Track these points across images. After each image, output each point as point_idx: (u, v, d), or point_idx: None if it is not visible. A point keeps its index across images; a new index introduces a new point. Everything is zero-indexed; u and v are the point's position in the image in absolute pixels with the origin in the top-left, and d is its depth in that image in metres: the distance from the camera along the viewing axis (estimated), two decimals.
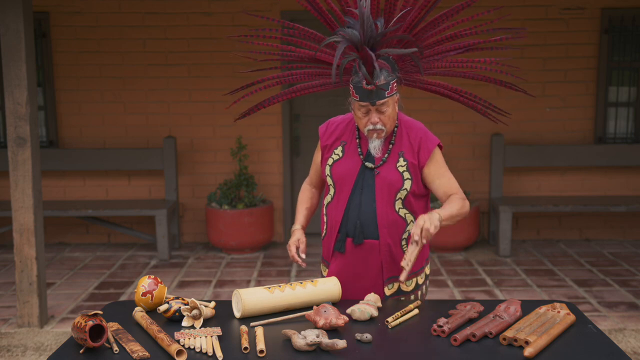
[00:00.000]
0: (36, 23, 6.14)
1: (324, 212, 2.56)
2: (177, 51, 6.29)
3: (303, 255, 2.58)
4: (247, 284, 5.25)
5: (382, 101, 2.30)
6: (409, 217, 2.44)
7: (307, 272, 5.52)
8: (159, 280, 2.28)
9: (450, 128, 6.33)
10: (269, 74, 2.57)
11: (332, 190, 2.51)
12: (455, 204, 2.36)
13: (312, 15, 2.46)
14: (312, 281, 2.33)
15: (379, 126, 2.35)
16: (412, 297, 2.51)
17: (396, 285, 2.47)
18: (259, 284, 5.25)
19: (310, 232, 6.69)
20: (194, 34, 6.27)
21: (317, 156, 2.60)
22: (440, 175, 2.43)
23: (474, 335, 2.01)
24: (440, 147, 2.48)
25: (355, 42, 2.21)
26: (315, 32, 2.40)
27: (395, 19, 2.26)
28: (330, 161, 2.50)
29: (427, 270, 2.58)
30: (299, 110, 6.46)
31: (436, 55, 2.38)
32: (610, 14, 6.25)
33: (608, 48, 6.30)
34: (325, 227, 2.56)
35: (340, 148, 2.50)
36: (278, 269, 5.67)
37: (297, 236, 2.61)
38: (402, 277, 2.19)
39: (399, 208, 2.42)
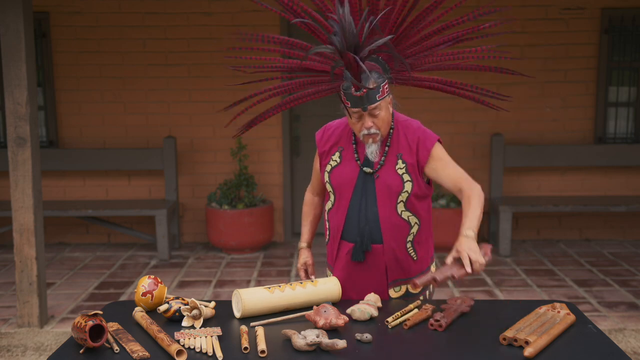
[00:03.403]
0: (36, 23, 6.14)
1: (326, 217, 2.56)
2: (177, 51, 6.29)
3: (313, 277, 2.65)
4: (247, 284, 5.25)
5: (373, 105, 2.26)
6: (413, 220, 2.42)
7: None
8: (159, 280, 2.28)
9: (450, 128, 6.33)
10: (265, 85, 2.54)
11: (332, 197, 2.49)
12: (474, 203, 2.27)
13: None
14: (312, 281, 2.33)
15: (373, 130, 2.31)
16: (421, 298, 2.50)
17: (403, 288, 2.46)
18: (259, 284, 5.25)
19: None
20: (194, 34, 6.27)
21: (317, 163, 2.59)
22: (444, 167, 2.38)
23: (435, 280, 2.04)
24: (440, 142, 2.45)
25: (338, 49, 2.16)
26: (301, 41, 2.34)
27: (376, 20, 2.19)
28: (328, 168, 2.48)
29: (433, 269, 2.58)
30: (299, 110, 6.46)
31: (425, 50, 2.31)
32: (610, 14, 6.25)
33: (608, 48, 6.30)
34: (328, 232, 2.56)
35: (337, 154, 2.48)
36: (278, 269, 5.67)
37: (304, 258, 2.68)
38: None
39: (402, 211, 2.40)
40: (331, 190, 2.48)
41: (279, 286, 2.26)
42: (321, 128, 2.58)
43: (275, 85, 2.43)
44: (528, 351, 1.87)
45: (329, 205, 2.53)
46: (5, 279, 5.39)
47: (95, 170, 6.38)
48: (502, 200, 6.10)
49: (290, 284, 2.28)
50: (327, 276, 2.63)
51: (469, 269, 2.07)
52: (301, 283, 2.30)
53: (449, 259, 2.12)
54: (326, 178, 2.49)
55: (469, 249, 2.10)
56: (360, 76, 2.21)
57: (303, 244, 2.72)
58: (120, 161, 6.29)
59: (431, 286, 2.55)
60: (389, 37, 2.20)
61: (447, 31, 2.28)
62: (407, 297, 2.47)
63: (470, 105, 6.08)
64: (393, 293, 2.46)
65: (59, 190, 6.46)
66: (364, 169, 2.41)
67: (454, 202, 6.04)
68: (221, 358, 1.87)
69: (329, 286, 2.34)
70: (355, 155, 2.44)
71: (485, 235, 6.54)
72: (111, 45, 6.28)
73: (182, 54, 6.29)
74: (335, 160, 2.47)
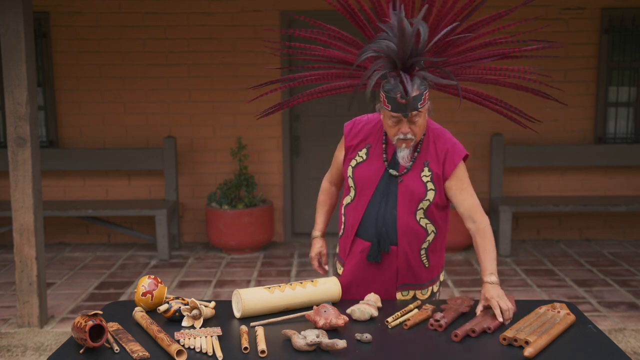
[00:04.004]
0: (36, 23, 6.14)
1: (343, 212, 2.53)
2: (177, 51, 6.29)
3: (326, 267, 2.69)
4: (247, 284, 5.25)
5: (415, 112, 2.24)
6: (430, 228, 2.40)
7: (308, 272, 5.52)
8: (159, 280, 2.28)
9: (450, 128, 6.25)
10: (299, 72, 2.48)
11: (352, 192, 2.47)
12: (489, 241, 2.33)
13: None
14: (312, 281, 2.33)
15: (409, 136, 2.29)
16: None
17: (411, 292, 2.46)
18: (259, 284, 5.25)
19: (310, 232, 6.69)
20: (194, 34, 6.27)
21: (340, 154, 2.55)
22: (461, 189, 2.38)
23: (473, 331, 2.02)
24: (466, 157, 2.44)
25: (393, 59, 2.16)
26: (346, 33, 2.32)
27: (434, 40, 2.18)
28: (353, 163, 2.45)
29: (442, 277, 2.58)
30: (299, 110, 6.46)
31: (469, 62, 2.30)
32: (610, 14, 6.25)
33: (608, 48, 6.30)
34: (342, 226, 2.54)
35: (364, 150, 2.45)
36: (278, 269, 5.67)
37: (318, 247, 2.69)
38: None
39: (420, 218, 2.38)
40: (352, 185, 2.45)
41: (279, 286, 2.26)
42: (350, 120, 2.54)
43: (311, 73, 2.38)
44: (528, 351, 1.87)
45: (347, 199, 2.49)
46: (5, 279, 5.39)
47: (95, 170, 6.38)
48: (502, 200, 6.10)
49: (290, 284, 2.28)
50: (337, 271, 2.63)
51: (500, 319, 2.12)
52: (301, 283, 2.30)
53: (480, 309, 2.18)
54: (349, 173, 2.46)
55: (498, 297, 2.16)
56: (407, 83, 2.18)
57: (317, 232, 2.71)
58: (120, 161, 6.29)
59: (438, 293, 2.57)
60: (455, 82, 2.21)
61: (493, 47, 2.28)
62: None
63: (470, 105, 6.05)
64: (400, 296, 2.46)
65: (59, 190, 6.46)
66: (390, 170, 2.39)
67: None
68: (221, 358, 1.87)
69: (329, 286, 2.33)
70: (384, 155, 2.41)
71: None
72: (111, 45, 6.28)
73: (182, 54, 6.29)
74: (362, 157, 2.44)
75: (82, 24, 6.25)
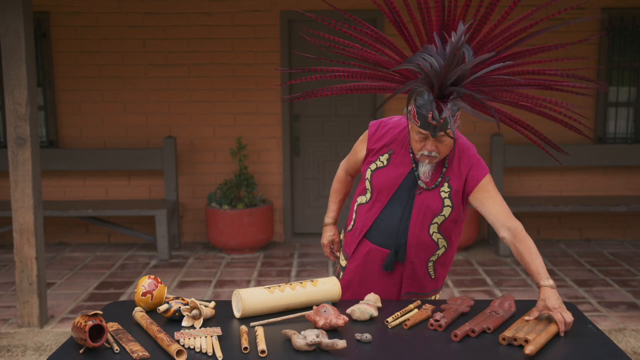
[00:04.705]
0: (36, 23, 6.14)
1: (355, 208, 2.51)
2: (177, 51, 6.29)
3: (338, 254, 2.70)
4: (247, 284, 5.25)
5: (443, 132, 2.19)
6: (442, 242, 2.39)
7: (308, 272, 5.52)
8: (159, 280, 2.28)
9: None
10: (333, 66, 2.39)
11: (368, 195, 2.44)
12: (533, 246, 2.24)
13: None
14: (312, 281, 2.33)
15: (434, 154, 2.25)
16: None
17: (418, 302, 2.46)
18: (259, 284, 5.25)
19: (310, 232, 6.70)
20: (194, 34, 6.27)
21: (361, 150, 2.50)
22: (491, 199, 2.32)
23: (473, 331, 2.02)
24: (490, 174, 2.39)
25: (432, 80, 2.10)
26: (387, 37, 2.23)
27: (478, 74, 2.11)
28: (373, 166, 2.42)
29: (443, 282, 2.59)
30: (299, 110, 6.46)
31: (507, 86, 2.20)
32: (610, 14, 6.25)
33: (608, 48, 6.30)
34: (352, 222, 2.52)
35: (386, 156, 2.41)
36: (278, 269, 5.67)
37: (330, 235, 2.70)
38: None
39: (433, 232, 2.37)
40: (369, 188, 2.43)
41: (279, 286, 2.26)
42: (377, 121, 2.49)
43: (345, 69, 2.27)
44: (529, 349, 1.87)
45: (362, 199, 2.46)
46: (5, 279, 5.39)
47: (95, 170, 6.38)
48: None
49: (290, 284, 2.28)
50: (339, 263, 2.63)
51: (562, 333, 2.05)
52: (301, 283, 2.30)
53: (535, 315, 2.10)
54: (367, 175, 2.43)
55: (560, 307, 2.09)
56: (442, 110, 2.12)
57: (329, 219, 2.71)
58: (120, 161, 6.29)
59: (439, 296, 2.57)
60: (493, 109, 2.12)
61: (535, 76, 2.20)
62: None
63: None
64: None
65: (59, 190, 6.46)
66: (419, 181, 2.35)
67: None
68: (221, 358, 1.87)
69: (329, 286, 2.33)
70: (414, 165, 2.36)
71: (485, 235, 6.55)
72: (111, 45, 6.28)
73: (182, 54, 6.29)
74: (382, 162, 2.41)
75: (82, 24, 6.25)
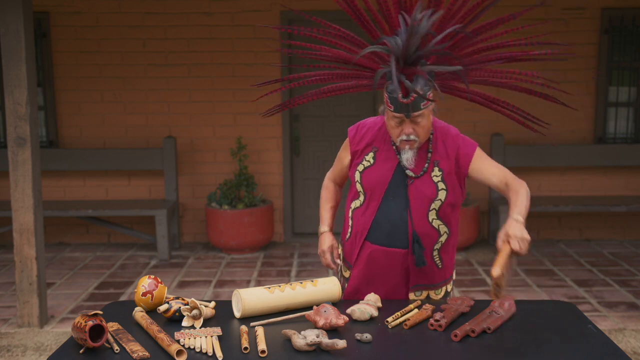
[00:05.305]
0: (36, 23, 6.14)
1: (350, 215, 2.50)
2: (177, 51, 6.29)
3: (338, 261, 2.60)
4: (247, 284, 5.25)
5: (417, 113, 2.23)
6: (443, 229, 2.39)
7: (308, 272, 5.52)
8: (159, 280, 2.28)
9: None
10: (305, 71, 2.44)
11: (362, 197, 2.44)
12: (522, 193, 2.31)
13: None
14: (312, 281, 2.33)
15: (412, 137, 2.27)
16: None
17: (425, 293, 2.45)
18: (259, 284, 5.25)
19: (310, 232, 6.69)
20: (194, 34, 6.27)
21: (345, 158, 2.52)
22: (488, 165, 2.38)
23: (473, 331, 2.02)
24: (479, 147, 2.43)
25: (396, 55, 2.14)
26: (352, 33, 2.29)
27: (440, 37, 2.16)
28: (360, 167, 2.42)
29: (454, 276, 2.57)
30: (299, 110, 6.46)
31: (476, 64, 2.27)
32: (610, 14, 6.25)
33: (608, 48, 6.30)
34: (350, 230, 2.50)
35: (371, 154, 2.42)
36: (278, 269, 5.67)
37: (329, 242, 2.61)
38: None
39: (433, 219, 2.37)
40: (361, 190, 2.43)
41: (279, 286, 2.26)
42: (354, 125, 2.52)
43: (317, 72, 2.34)
44: (495, 271, 2.04)
45: (356, 204, 2.46)
46: (5, 279, 5.39)
47: (95, 170, 6.38)
48: (502, 200, 6.10)
49: (290, 284, 2.28)
50: (342, 274, 2.61)
51: (516, 247, 2.17)
52: (301, 283, 2.30)
53: (499, 244, 2.22)
54: (357, 178, 2.43)
55: (517, 237, 2.18)
56: (408, 82, 2.16)
57: (325, 227, 2.63)
58: (120, 161, 6.29)
59: (451, 293, 2.56)
60: (459, 67, 2.17)
61: (500, 49, 2.25)
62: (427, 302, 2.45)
63: (470, 105, 6.05)
64: (413, 296, 2.45)
65: (59, 190, 6.46)
66: (407, 171, 2.35)
67: None
68: (221, 358, 1.87)
69: (329, 286, 2.33)
70: (399, 157, 2.37)
71: (485, 235, 6.55)
72: (111, 45, 6.28)
73: (182, 54, 6.29)
74: (369, 161, 2.42)
75: (82, 24, 6.25)
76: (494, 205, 6.16)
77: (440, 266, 2.45)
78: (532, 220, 6.47)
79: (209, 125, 6.40)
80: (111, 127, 6.40)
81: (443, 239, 2.41)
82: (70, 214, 5.98)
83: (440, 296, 2.48)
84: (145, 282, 2.26)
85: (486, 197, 6.43)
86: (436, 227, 2.38)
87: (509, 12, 2.26)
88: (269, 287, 2.24)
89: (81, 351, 1.93)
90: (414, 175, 2.35)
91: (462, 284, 5.18)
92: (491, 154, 6.21)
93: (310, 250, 6.24)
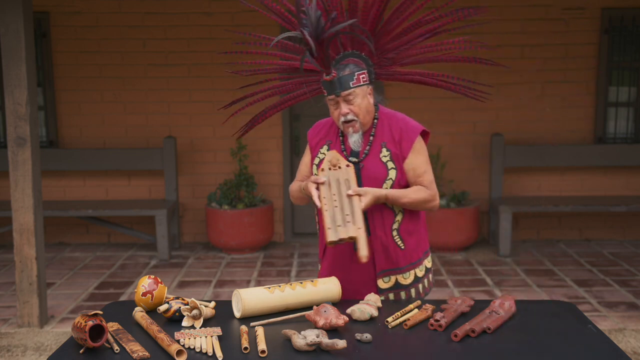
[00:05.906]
0: (36, 23, 6.14)
1: (316, 212, 2.58)
2: (177, 51, 6.29)
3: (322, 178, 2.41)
4: (247, 284, 5.25)
5: (347, 92, 2.33)
6: (397, 208, 2.43)
7: (308, 272, 5.52)
8: (159, 280, 2.28)
9: (450, 128, 6.33)
10: (262, 86, 2.62)
11: None
12: (420, 191, 2.39)
13: (248, 34, 2.53)
14: (312, 281, 2.33)
15: (350, 117, 2.36)
16: (413, 290, 2.50)
17: (392, 278, 2.47)
18: (259, 284, 5.25)
19: (310, 232, 6.69)
20: (194, 34, 6.27)
21: (306, 157, 2.62)
22: (415, 164, 2.42)
23: (473, 331, 2.02)
24: (426, 134, 2.48)
25: (311, 29, 2.23)
26: (285, 40, 2.41)
27: (344, 24, 2.26)
28: (316, 160, 2.52)
29: (428, 264, 2.57)
30: (299, 110, 6.46)
31: (405, 44, 2.38)
32: (610, 14, 6.25)
33: (608, 48, 6.30)
34: (317, 227, 2.61)
35: (325, 147, 2.52)
36: (278, 269, 5.67)
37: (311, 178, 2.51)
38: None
39: None
40: None
41: (279, 286, 2.26)
42: (313, 125, 2.66)
43: (272, 85, 2.50)
44: (362, 254, 2.12)
45: None
46: (5, 279, 5.39)
47: (95, 170, 6.38)
48: (502, 200, 6.10)
49: (290, 284, 2.28)
50: (318, 270, 2.64)
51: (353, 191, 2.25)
52: (301, 283, 2.30)
53: (350, 193, 2.26)
54: (314, 171, 2.51)
55: (365, 194, 2.26)
56: (330, 62, 2.29)
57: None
58: (120, 161, 6.29)
59: (425, 280, 2.56)
60: (352, 20, 2.27)
61: (425, 25, 2.35)
62: (397, 289, 2.47)
63: (470, 105, 6.08)
64: (382, 284, 2.47)
65: (59, 190, 6.46)
66: (350, 158, 2.44)
67: (454, 202, 6.04)
68: (221, 358, 1.87)
69: (329, 286, 2.33)
70: (342, 147, 2.48)
71: (485, 235, 6.55)
72: (111, 45, 6.28)
73: (182, 54, 6.29)
74: (323, 154, 2.51)
75: (82, 24, 6.25)
76: (494, 206, 6.16)
77: (402, 247, 2.46)
78: (532, 220, 6.50)
79: (209, 125, 6.40)
80: (111, 127, 6.41)
81: (399, 218, 2.44)
82: (70, 214, 5.98)
83: (408, 280, 2.49)
84: (145, 282, 2.26)
85: (486, 197, 6.43)
86: (390, 206, 2.42)
87: None
88: (269, 287, 2.24)
89: (81, 351, 1.93)
90: (357, 160, 2.43)
91: (462, 284, 5.18)
92: (491, 154, 6.21)
93: (310, 250, 6.24)
